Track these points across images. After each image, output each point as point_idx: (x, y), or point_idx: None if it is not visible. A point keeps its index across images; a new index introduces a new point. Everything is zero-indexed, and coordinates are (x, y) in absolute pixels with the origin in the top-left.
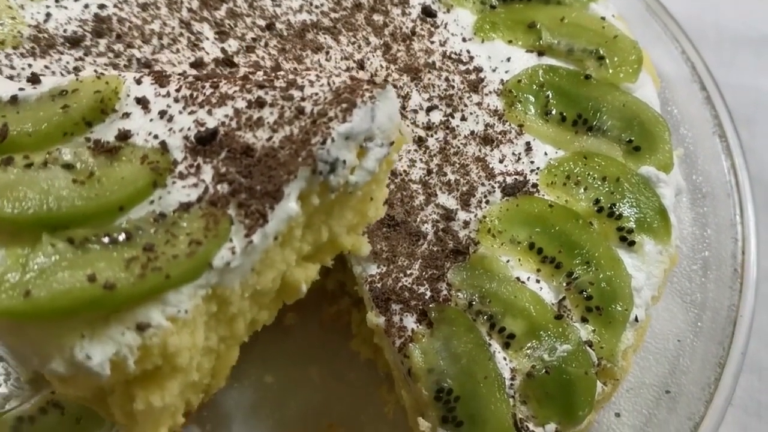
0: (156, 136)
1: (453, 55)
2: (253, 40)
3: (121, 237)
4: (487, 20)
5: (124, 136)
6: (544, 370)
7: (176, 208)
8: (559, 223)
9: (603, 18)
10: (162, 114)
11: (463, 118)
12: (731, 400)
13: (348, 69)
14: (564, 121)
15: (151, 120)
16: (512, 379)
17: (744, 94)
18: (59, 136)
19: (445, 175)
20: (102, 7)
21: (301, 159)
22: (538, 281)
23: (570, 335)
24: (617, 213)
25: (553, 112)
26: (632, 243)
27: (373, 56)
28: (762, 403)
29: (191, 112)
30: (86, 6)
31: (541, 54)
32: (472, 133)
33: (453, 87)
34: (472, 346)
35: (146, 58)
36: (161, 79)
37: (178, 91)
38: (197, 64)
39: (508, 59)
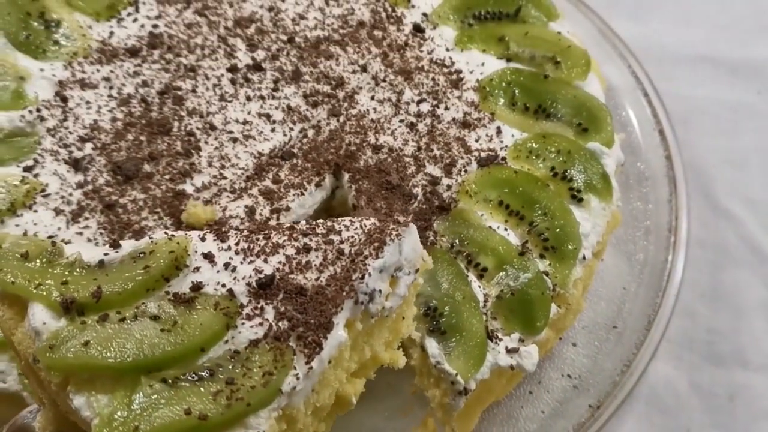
0: (224, 285)
1: (438, 61)
2: (277, 50)
3: (205, 374)
4: (466, 34)
5: (197, 287)
6: (510, 293)
7: (247, 345)
8: (522, 185)
9: (559, 32)
10: (226, 266)
11: (446, 108)
12: (667, 336)
13: (354, 72)
14: (527, 110)
15: (217, 271)
16: (485, 301)
17: (681, 101)
18: (143, 293)
19: (432, 151)
20: (155, 26)
21: (345, 293)
22: (505, 229)
23: (530, 267)
24: (569, 177)
25: (519, 103)
26: (581, 200)
27: (374, 62)
28: (693, 338)
29: (250, 262)
30: (142, 26)
31: (509, 60)
32: (454, 119)
33: (438, 85)
34: (453, 276)
35: (191, 64)
36: (221, 235)
37: (237, 244)
38: (232, 69)
39: (483, 64)
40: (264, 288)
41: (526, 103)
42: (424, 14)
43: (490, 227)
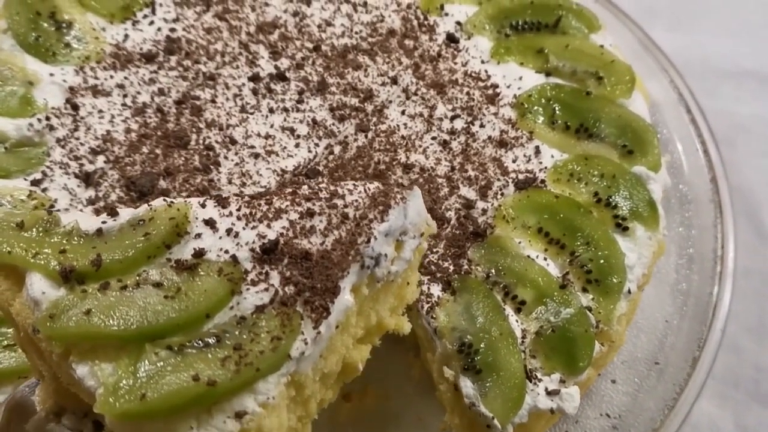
0: (227, 251)
1: (473, 74)
2: (302, 59)
3: (212, 340)
4: (502, 46)
5: (199, 253)
6: (550, 330)
7: (253, 310)
8: (563, 211)
9: (602, 46)
10: (228, 231)
11: (482, 126)
12: (711, 373)
13: (383, 84)
14: (568, 129)
15: (220, 238)
16: (523, 337)
17: (725, 118)
18: (144, 260)
19: (466, 171)
20: (173, 30)
21: (351, 257)
22: (545, 259)
23: (573, 301)
24: (613, 203)
25: (559, 121)
26: (626, 228)
27: (405, 74)
28: (739, 375)
29: (253, 227)
30: (159, 29)
31: (548, 74)
32: (489, 137)
33: (473, 100)
34: (489, 309)
35: (210, 72)
36: (222, 201)
37: (238, 210)
38: (254, 78)
39: (520, 78)
40: (268, 253)
41: (567, 121)
42: (458, 23)
43: (528, 256)
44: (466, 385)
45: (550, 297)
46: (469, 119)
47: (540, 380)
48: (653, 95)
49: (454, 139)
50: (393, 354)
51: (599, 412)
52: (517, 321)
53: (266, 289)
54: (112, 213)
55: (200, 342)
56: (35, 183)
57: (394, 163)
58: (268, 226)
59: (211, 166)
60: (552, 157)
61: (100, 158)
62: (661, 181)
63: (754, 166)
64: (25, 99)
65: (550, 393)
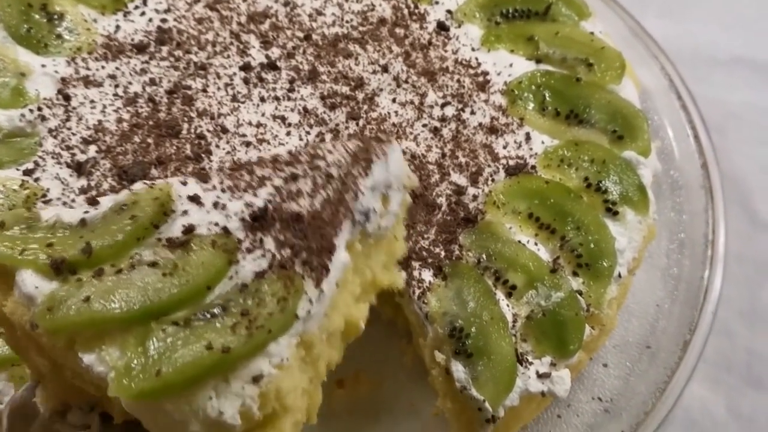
0: (217, 224)
1: (463, 62)
2: (293, 48)
3: (217, 310)
4: (493, 33)
5: (189, 229)
6: (541, 313)
7: (253, 277)
8: (553, 196)
9: (592, 33)
10: (215, 205)
11: (472, 112)
12: (703, 357)
13: (374, 72)
14: (558, 116)
15: (207, 212)
16: (514, 322)
17: (716, 105)
18: (134, 242)
19: (457, 158)
20: (164, 21)
21: (342, 214)
22: (536, 244)
23: (563, 285)
24: (603, 188)
25: (549, 108)
26: (616, 213)
27: (395, 62)
28: (731, 359)
29: (239, 198)
30: (150, 20)
31: (538, 61)
32: (480, 124)
33: (464, 87)
34: (480, 294)
35: (201, 62)
36: (203, 176)
37: (221, 183)
38: (245, 68)
39: (511, 65)
40: (258, 220)
41: (557, 107)
42: (449, 11)
43: (519, 241)
44: (458, 369)
45: (540, 281)
46: (460, 106)
47: (531, 364)
48: (644, 82)
49: (445, 126)
50: (385, 341)
51: (591, 395)
52: (508, 305)
53: (263, 255)
54: (93, 202)
55: (206, 313)
56: (27, 173)
57: None
58: (254, 194)
59: (203, 155)
60: (542, 143)
61: (92, 148)
62: (651, 166)
63: (746, 153)
64: (17, 90)
65: (541, 376)
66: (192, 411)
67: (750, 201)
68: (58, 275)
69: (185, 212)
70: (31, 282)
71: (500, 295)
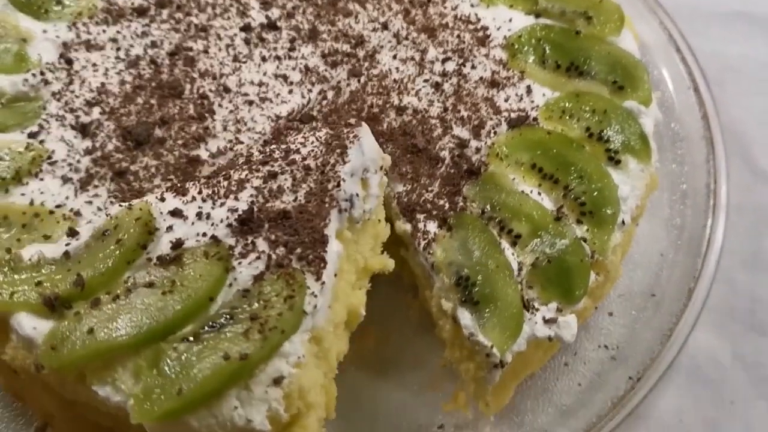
0: (204, 234)
1: (463, 18)
2: (293, 8)
3: (224, 320)
4: None
5: (178, 244)
6: (546, 261)
7: (252, 281)
8: (556, 146)
9: None
10: (199, 215)
11: (473, 67)
12: (708, 305)
13: (374, 30)
14: (558, 68)
15: (192, 224)
16: (519, 270)
17: (715, 59)
18: (125, 266)
19: (459, 112)
20: None
21: (327, 204)
22: (539, 194)
23: (567, 233)
24: (605, 137)
25: (549, 61)
26: (618, 161)
27: (395, 19)
28: (735, 306)
29: (222, 204)
30: None
31: (537, 16)
32: (481, 78)
33: (464, 42)
34: (485, 243)
35: (202, 23)
36: (180, 189)
37: (199, 193)
38: (246, 28)
39: (510, 20)
40: (246, 224)
41: (557, 60)
42: None
43: (522, 192)
44: (465, 317)
45: (545, 230)
46: (461, 61)
47: (537, 310)
48: (643, 37)
49: (446, 81)
50: (391, 296)
51: (597, 344)
52: (513, 254)
53: (258, 257)
54: (72, 233)
55: (214, 324)
56: (32, 135)
57: (387, 105)
58: (236, 198)
59: (206, 114)
60: (543, 95)
61: (96, 110)
62: (652, 115)
63: (745, 105)
64: (20, 56)
65: (547, 321)
66: (219, 424)
67: (750, 153)
68: (53, 312)
69: (170, 228)
70: (28, 324)
71: (505, 244)
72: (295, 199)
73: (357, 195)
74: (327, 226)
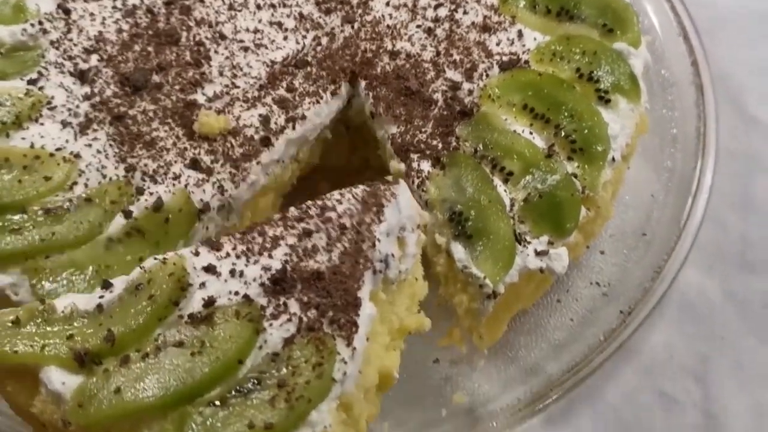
0: (237, 293)
1: None
2: None
3: (252, 384)
4: None
5: (210, 302)
6: (537, 196)
7: (282, 344)
8: (547, 87)
9: None
10: (232, 273)
11: (465, 12)
12: (699, 245)
13: None
14: (549, 13)
15: (225, 281)
16: (511, 206)
17: (704, 9)
18: (156, 323)
19: (452, 56)
20: None
21: (362, 265)
22: (531, 133)
23: (558, 169)
24: (595, 78)
25: (540, 6)
26: (608, 101)
27: None
28: (725, 247)
29: (255, 262)
30: None
31: None
32: (473, 23)
33: None
34: (478, 180)
35: None
36: (214, 244)
37: (234, 249)
38: None
39: None
40: (279, 283)
41: (547, 5)
42: None
43: (514, 131)
44: (458, 251)
45: (536, 167)
46: (452, 7)
47: (529, 243)
48: None
49: (439, 27)
50: None
51: (589, 281)
52: (505, 191)
53: (289, 320)
54: (106, 285)
55: (242, 389)
56: (32, 82)
57: (381, 51)
58: (270, 256)
59: (202, 60)
60: (534, 39)
61: (94, 57)
62: (642, 57)
63: (734, 56)
64: (18, 7)
65: (539, 254)
66: None
67: (740, 100)
68: (82, 367)
69: (203, 284)
70: (57, 378)
71: (497, 181)
72: (329, 259)
73: (392, 255)
74: (360, 288)
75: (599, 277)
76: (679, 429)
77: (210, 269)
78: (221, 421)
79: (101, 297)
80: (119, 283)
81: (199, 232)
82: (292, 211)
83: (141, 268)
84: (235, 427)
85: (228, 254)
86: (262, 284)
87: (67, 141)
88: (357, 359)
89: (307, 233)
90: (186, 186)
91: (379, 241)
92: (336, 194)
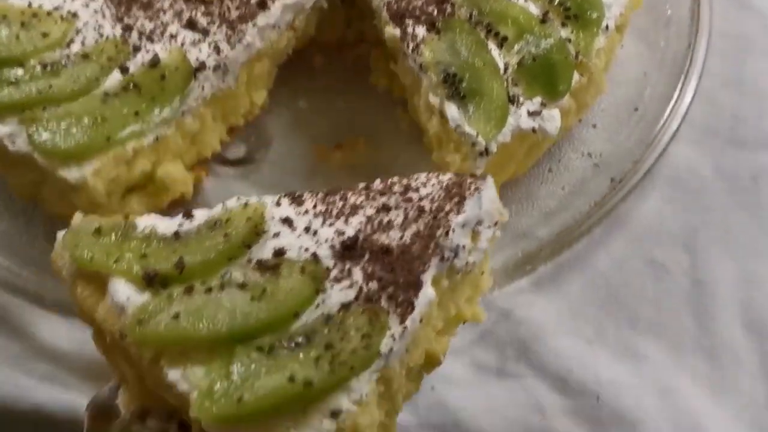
0: (307, 249)
1: None
2: None
3: (301, 340)
4: None
5: (280, 252)
6: (531, 59)
7: (339, 308)
8: None
9: None
10: (307, 230)
11: None
12: (691, 121)
13: None
14: None
15: (298, 236)
16: (505, 69)
17: None
18: (225, 261)
19: None
20: None
21: (431, 250)
22: (525, 1)
23: (553, 33)
24: None
25: None
26: None
27: None
28: (716, 124)
29: (331, 224)
30: None
31: None
32: None
33: None
34: (472, 43)
35: None
36: (296, 199)
37: (314, 207)
38: None
39: None
40: (349, 250)
41: None
42: None
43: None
44: (452, 110)
45: (530, 32)
46: None
47: (522, 104)
48: None
49: None
50: (381, 111)
51: (581, 152)
52: (499, 55)
53: (350, 286)
54: (188, 215)
55: (290, 342)
56: None
57: None
58: (346, 222)
59: None
60: None
61: None
62: None
63: None
64: None
65: (531, 114)
66: None
67: None
68: (149, 287)
69: (277, 234)
70: (124, 292)
71: (492, 45)
72: (401, 237)
73: (463, 247)
74: (425, 271)
75: (591, 148)
76: (667, 295)
77: (287, 221)
78: (265, 367)
79: (180, 225)
80: (200, 215)
81: (195, 90)
82: (377, 183)
83: (223, 205)
84: (276, 376)
85: (307, 211)
86: (332, 246)
87: (64, 0)
88: (406, 338)
89: (386, 208)
90: (182, 45)
91: (453, 231)
92: (422, 176)
